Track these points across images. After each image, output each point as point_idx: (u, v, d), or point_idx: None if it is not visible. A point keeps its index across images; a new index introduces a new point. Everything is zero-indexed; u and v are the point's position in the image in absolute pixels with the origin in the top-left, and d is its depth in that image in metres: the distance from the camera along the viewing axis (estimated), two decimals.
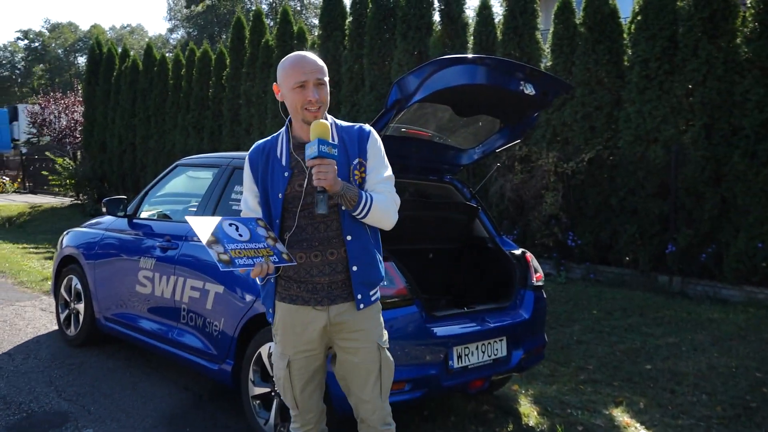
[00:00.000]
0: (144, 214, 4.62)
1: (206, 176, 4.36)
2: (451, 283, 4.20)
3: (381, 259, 2.46)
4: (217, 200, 3.93)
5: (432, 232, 4.11)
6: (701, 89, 6.75)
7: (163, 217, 4.61)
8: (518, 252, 3.95)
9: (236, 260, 2.13)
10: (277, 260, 2.21)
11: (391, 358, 2.49)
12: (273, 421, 3.29)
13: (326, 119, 2.36)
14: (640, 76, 7.16)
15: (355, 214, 2.28)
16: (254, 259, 2.16)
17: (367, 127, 2.42)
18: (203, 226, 2.21)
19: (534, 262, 3.96)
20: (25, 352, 4.87)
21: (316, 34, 11.16)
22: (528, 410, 3.99)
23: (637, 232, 7.23)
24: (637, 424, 3.83)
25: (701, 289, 6.83)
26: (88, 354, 4.82)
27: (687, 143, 6.87)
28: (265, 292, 2.46)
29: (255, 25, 12.06)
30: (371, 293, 2.41)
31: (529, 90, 3.31)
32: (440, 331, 3.22)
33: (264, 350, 3.33)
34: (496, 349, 3.50)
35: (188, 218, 2.27)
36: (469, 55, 3.12)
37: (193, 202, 4.42)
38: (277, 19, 11.79)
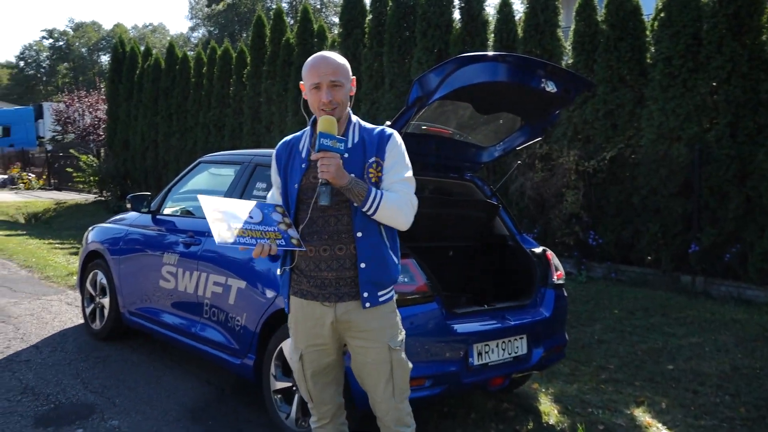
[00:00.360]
0: (167, 211, 4.69)
1: (228, 173, 4.40)
2: (471, 281, 4.20)
3: (396, 261, 2.45)
4: (239, 197, 3.97)
5: (452, 230, 4.12)
6: (726, 87, 6.66)
7: (186, 213, 4.67)
8: (539, 250, 3.94)
9: (238, 238, 2.18)
10: (283, 243, 2.25)
11: (406, 360, 2.47)
12: (294, 415, 3.33)
13: (350, 119, 2.42)
14: (663, 73, 7.08)
15: (363, 209, 2.30)
16: (257, 240, 2.21)
17: (389, 130, 2.44)
18: (212, 204, 2.28)
19: (555, 260, 3.94)
20: (52, 344, 4.97)
21: (336, 32, 11.19)
22: (548, 408, 3.98)
23: (659, 231, 7.16)
24: (659, 424, 3.80)
25: (725, 290, 6.74)
26: (113, 347, 4.91)
27: (711, 141, 6.78)
28: (282, 282, 2.52)
29: (276, 24, 12.13)
30: (380, 293, 2.39)
31: (551, 87, 3.30)
32: (460, 328, 3.23)
33: (285, 345, 3.36)
34: (517, 347, 3.50)
35: (200, 197, 2.33)
36: (491, 53, 3.12)
37: None
38: (297, 18, 11.84)
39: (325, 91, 2.32)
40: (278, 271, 2.52)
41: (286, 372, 3.40)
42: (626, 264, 7.61)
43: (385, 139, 2.40)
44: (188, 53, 14.73)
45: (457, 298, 3.89)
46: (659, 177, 7.14)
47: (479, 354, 3.30)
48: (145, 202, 4.72)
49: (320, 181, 2.23)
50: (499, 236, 4.10)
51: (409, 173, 2.42)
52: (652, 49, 7.41)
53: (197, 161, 4.72)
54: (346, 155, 2.30)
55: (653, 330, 5.65)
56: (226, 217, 2.23)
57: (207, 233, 4.02)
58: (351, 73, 2.43)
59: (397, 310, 2.50)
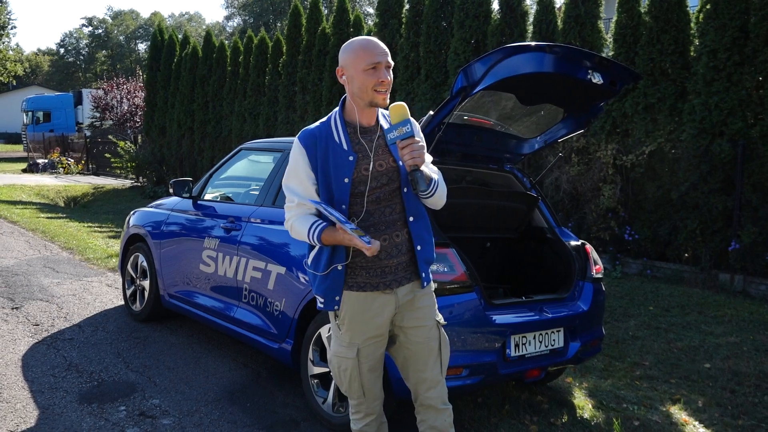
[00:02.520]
0: (208, 196, 4.76)
1: (267, 161, 4.46)
2: (509, 273, 4.19)
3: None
4: (279, 184, 4.02)
5: (491, 221, 4.10)
6: None
7: (226, 199, 4.74)
8: (578, 243, 3.91)
9: (362, 238, 2.21)
10: (368, 240, 2.23)
11: (446, 336, 2.55)
12: (331, 400, 3.37)
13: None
14: (708, 67, 6.93)
15: (426, 191, 2.31)
16: (361, 238, 2.21)
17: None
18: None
19: (594, 254, 3.91)
20: (93, 324, 5.10)
21: (372, 22, 11.18)
22: (582, 403, 3.96)
23: (698, 227, 7.03)
24: (696, 422, 3.76)
25: (765, 289, 6.60)
26: (153, 329, 5.03)
27: (755, 137, 6.62)
28: (329, 282, 2.39)
29: (312, 14, 12.17)
30: (430, 270, 2.50)
31: (597, 79, 3.26)
32: (498, 319, 3.23)
33: (323, 331, 3.40)
34: (554, 340, 3.49)
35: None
36: (537, 43, 3.08)
37: (254, 186, 4.54)
38: (333, 8, 11.86)
39: (383, 70, 2.30)
40: (310, 271, 2.46)
41: (323, 357, 3.45)
42: (662, 261, 7.50)
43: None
44: (225, 42, 14.86)
45: (495, 289, 3.89)
46: (700, 173, 7.00)
47: (516, 345, 3.30)
48: (186, 187, 4.80)
49: (412, 167, 2.23)
50: (537, 228, 4.08)
51: (430, 156, 2.47)
52: (697, 41, 7.24)
53: (238, 148, 4.78)
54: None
55: (689, 328, 5.57)
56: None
57: (247, 219, 4.09)
58: None
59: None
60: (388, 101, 2.34)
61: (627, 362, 4.77)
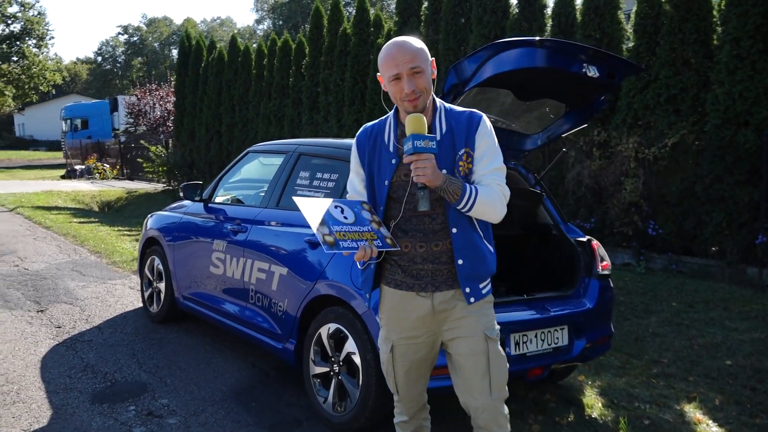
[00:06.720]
0: (219, 199, 4.83)
1: (276, 162, 4.50)
2: (514, 270, 4.14)
3: (492, 250, 2.37)
4: (283, 186, 4.06)
5: None
6: None
7: (236, 201, 4.81)
8: (584, 239, 3.84)
9: (340, 242, 2.12)
10: (380, 244, 2.19)
11: (503, 353, 2.37)
12: (332, 399, 3.39)
13: (435, 105, 2.31)
14: (731, 55, 6.72)
15: (458, 207, 2.20)
16: (358, 242, 2.15)
17: (479, 113, 2.31)
18: (310, 207, 2.20)
19: (600, 250, 3.84)
20: (113, 326, 5.23)
21: (393, 21, 11.18)
22: (592, 401, 3.90)
23: (724, 221, 6.84)
24: (710, 421, 3.66)
25: None
26: (168, 330, 5.13)
27: None
28: (365, 277, 2.43)
29: (333, 14, 12.23)
30: (481, 286, 2.32)
31: (593, 72, 3.19)
32: (496, 317, 3.18)
33: (324, 331, 3.43)
34: (557, 338, 3.44)
35: (296, 198, 2.26)
36: (527, 38, 3.04)
37: (263, 188, 4.59)
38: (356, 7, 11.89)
39: (406, 81, 2.18)
40: (360, 265, 2.39)
41: (324, 357, 3.47)
42: (688, 255, 7.31)
43: (474, 126, 2.26)
44: (251, 45, 15.05)
45: (496, 287, 3.85)
46: (725, 164, 6.80)
47: (516, 344, 3.26)
48: (198, 190, 4.88)
49: (418, 185, 2.14)
50: (542, 225, 4.02)
51: (500, 161, 2.30)
52: (719, 29, 7.04)
53: (246, 151, 4.84)
54: (437, 152, 2.16)
55: (713, 324, 5.42)
56: (325, 220, 2.17)
57: (252, 221, 4.14)
58: (429, 56, 2.27)
59: (492, 302, 2.41)
60: (421, 105, 2.23)
61: (645, 360, 4.67)
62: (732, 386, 4.16)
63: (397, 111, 2.35)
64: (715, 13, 7.14)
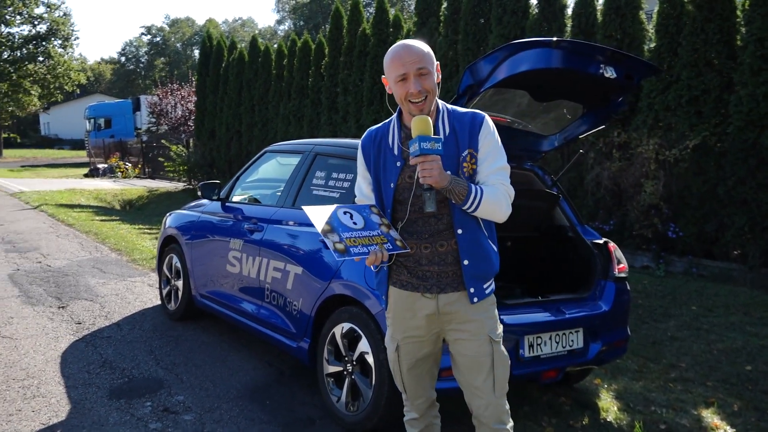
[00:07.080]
0: (236, 198, 4.87)
1: (293, 162, 4.53)
2: (529, 272, 4.12)
3: (495, 249, 2.40)
4: (299, 185, 4.09)
5: (511, 220, 4.02)
6: None
7: (253, 201, 4.84)
8: (600, 242, 3.81)
9: (351, 249, 2.13)
10: (391, 247, 2.21)
11: (506, 353, 2.41)
12: (345, 399, 3.40)
13: (438, 107, 2.32)
14: (755, 56, 6.61)
15: (464, 208, 2.23)
16: (369, 247, 2.17)
17: (481, 114, 2.32)
18: (319, 215, 2.22)
19: (617, 252, 3.80)
20: (131, 323, 5.30)
21: (412, 21, 11.17)
22: (608, 405, 3.86)
23: (746, 224, 6.73)
24: (727, 427, 3.61)
25: None
26: (186, 327, 5.18)
27: None
28: (379, 279, 2.47)
29: (352, 15, 12.26)
30: (485, 286, 2.36)
31: (610, 73, 3.16)
32: (510, 319, 3.18)
33: (337, 330, 3.44)
34: (572, 341, 3.41)
35: (304, 207, 2.28)
36: (543, 38, 3.02)
37: (280, 187, 4.62)
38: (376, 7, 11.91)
39: (413, 81, 2.20)
40: (373, 268, 2.42)
41: (338, 356, 3.48)
42: (709, 258, 7.21)
43: (477, 126, 2.28)
44: (272, 46, 15.14)
45: (511, 289, 3.84)
46: (747, 166, 6.69)
47: (530, 346, 3.25)
48: (215, 189, 4.93)
49: (424, 186, 2.15)
50: (558, 227, 4.00)
51: (504, 161, 2.31)
52: (743, 30, 6.93)
53: (263, 151, 4.88)
54: (443, 153, 2.18)
55: (733, 328, 5.34)
56: (334, 227, 2.18)
57: (268, 220, 4.17)
58: (435, 59, 2.29)
59: (495, 303, 2.44)
60: (428, 108, 2.25)
61: (662, 364, 4.62)
62: (751, 392, 4.10)
63: (400, 114, 2.37)
64: (738, 13, 7.03)
